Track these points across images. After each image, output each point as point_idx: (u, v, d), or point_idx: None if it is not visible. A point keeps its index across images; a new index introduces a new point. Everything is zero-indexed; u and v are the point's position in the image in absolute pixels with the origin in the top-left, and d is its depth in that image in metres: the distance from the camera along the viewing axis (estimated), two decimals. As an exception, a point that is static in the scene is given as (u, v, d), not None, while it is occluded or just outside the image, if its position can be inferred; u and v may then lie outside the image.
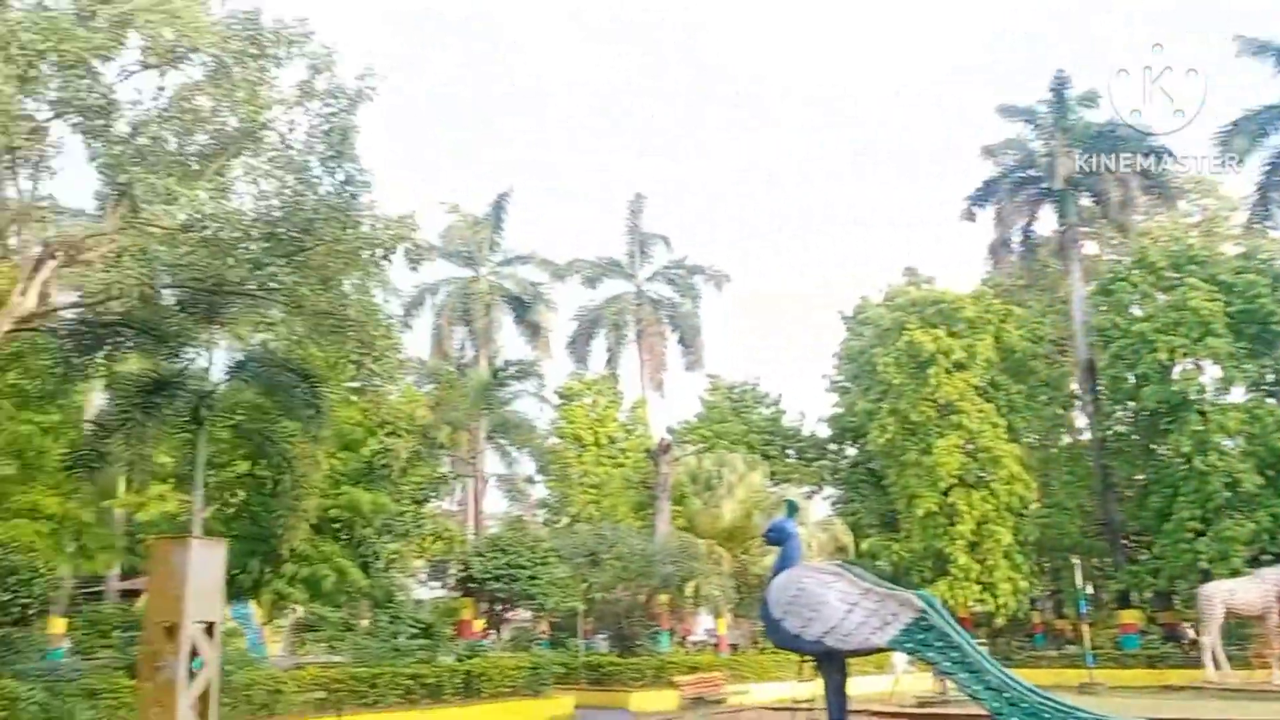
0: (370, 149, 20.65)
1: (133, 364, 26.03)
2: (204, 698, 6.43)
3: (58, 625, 20.79)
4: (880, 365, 41.52)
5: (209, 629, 6.37)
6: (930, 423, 40.32)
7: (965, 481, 39.63)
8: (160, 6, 17.67)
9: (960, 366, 40.40)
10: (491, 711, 21.58)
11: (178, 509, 30.67)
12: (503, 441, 43.42)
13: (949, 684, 21.75)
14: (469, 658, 23.40)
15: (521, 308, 50.60)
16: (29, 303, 20.00)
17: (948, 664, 17.29)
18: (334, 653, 25.93)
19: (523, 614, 33.46)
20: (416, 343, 49.48)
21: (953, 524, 39.14)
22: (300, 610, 30.81)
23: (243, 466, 29.12)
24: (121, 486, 32.66)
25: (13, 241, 21.00)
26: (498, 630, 32.46)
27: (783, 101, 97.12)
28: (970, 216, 47.66)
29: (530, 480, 46.65)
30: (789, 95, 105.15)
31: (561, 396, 48.89)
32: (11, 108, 17.01)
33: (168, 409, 24.44)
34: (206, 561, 6.53)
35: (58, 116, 18.95)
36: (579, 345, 54.98)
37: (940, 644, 17.78)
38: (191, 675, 6.41)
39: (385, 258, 21.22)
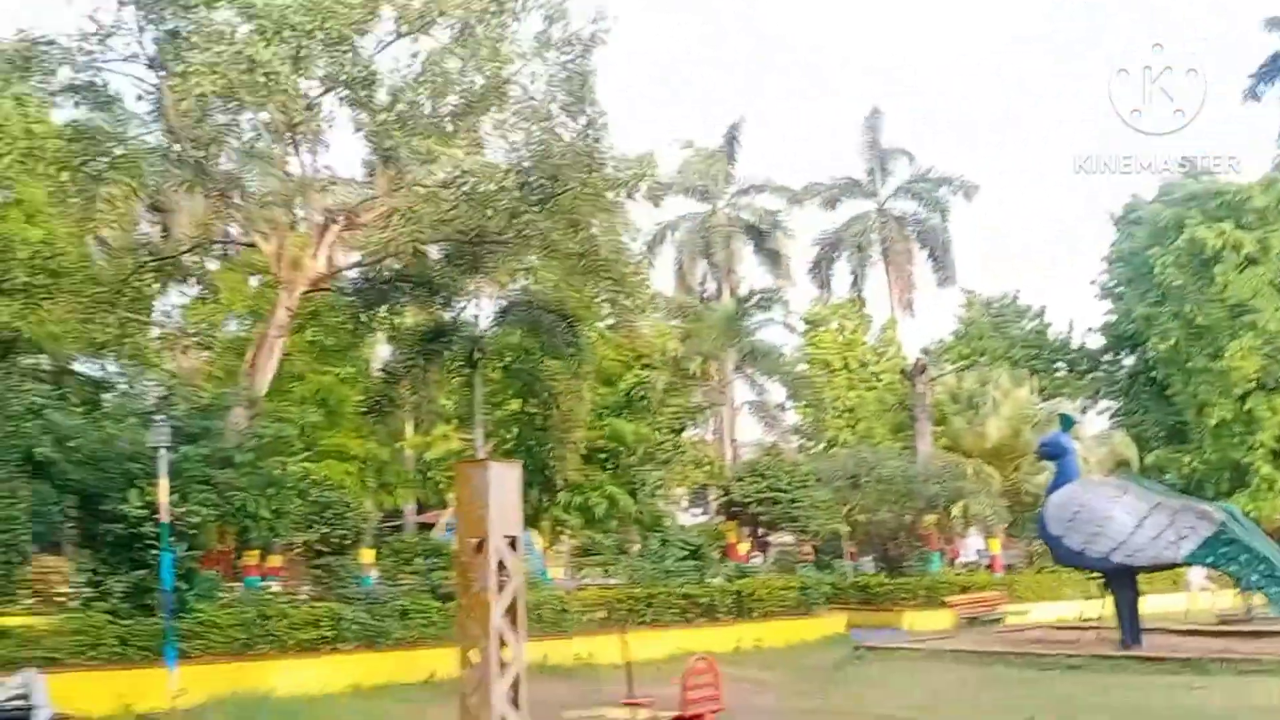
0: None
1: (410, 316, 28.28)
2: (512, 607, 6.92)
3: (367, 555, 23.11)
4: (1158, 266, 38.03)
5: (512, 543, 6.83)
6: (1220, 325, 36.60)
7: (1264, 386, 35.82)
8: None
9: (1252, 262, 36.31)
10: (765, 630, 22.04)
11: (460, 446, 33.24)
12: (751, 371, 43.63)
13: (1255, 600, 19.99)
14: (738, 579, 23.97)
15: (760, 237, 50.17)
16: (319, 265, 22.12)
17: (1255, 578, 15.93)
18: (608, 576, 27.30)
19: (785, 537, 33.76)
20: (660, 279, 50.35)
21: (1251, 432, 35.61)
22: (575, 536, 32.72)
23: (515, 405, 31.00)
24: (409, 429, 35.77)
25: (299, 211, 23.16)
26: (762, 553, 32.99)
27: (842, 70, 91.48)
28: (1255, 96, 42.34)
29: (781, 407, 46.62)
30: (848, 64, 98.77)
31: (807, 323, 48.38)
32: (288, 87, 18.63)
33: (446, 355, 26.49)
34: (504, 480, 6.98)
35: (327, 91, 20.63)
36: (821, 270, 53.89)
37: (1245, 557, 16.38)
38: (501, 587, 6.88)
39: (629, 197, 21.75)
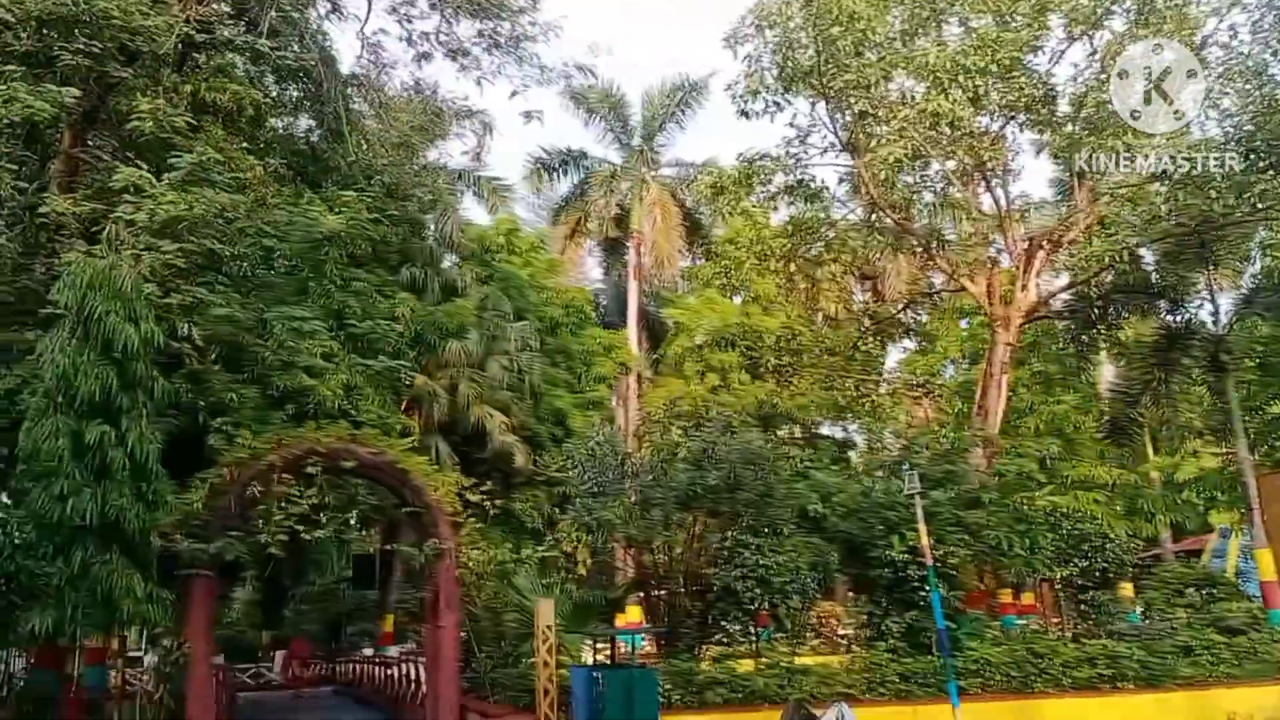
0: None
1: (1135, 329, 26.16)
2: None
3: (1127, 589, 21.50)
4: None
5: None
6: None
7: None
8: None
9: None
10: None
11: (1217, 463, 29.45)
12: None
13: None
14: None
15: None
16: (1030, 295, 21.71)
17: None
18: None
19: None
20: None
21: None
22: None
23: (1278, 407, 26.60)
24: (1150, 449, 32.80)
25: (1000, 247, 23.11)
26: None
27: None
28: None
29: None
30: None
31: None
32: (971, 129, 18.90)
33: (1184, 363, 23.85)
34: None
35: (1008, 122, 20.46)
36: None
37: None
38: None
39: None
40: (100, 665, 18.55)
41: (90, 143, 15.49)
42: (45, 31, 14.53)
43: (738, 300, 34.86)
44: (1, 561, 6.32)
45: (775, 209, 23.74)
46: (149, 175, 13.25)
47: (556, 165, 36.97)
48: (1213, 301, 24.83)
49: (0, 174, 12.61)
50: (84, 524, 9.99)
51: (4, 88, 12.63)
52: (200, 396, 14.53)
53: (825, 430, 35.48)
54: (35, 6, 13.66)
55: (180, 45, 15.56)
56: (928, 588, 15.39)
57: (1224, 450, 27.77)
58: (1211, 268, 22.50)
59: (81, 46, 13.75)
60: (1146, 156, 18.67)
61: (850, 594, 22.64)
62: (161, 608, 10.89)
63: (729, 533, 17.16)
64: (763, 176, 21.80)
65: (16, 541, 7.08)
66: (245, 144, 17.46)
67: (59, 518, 9.86)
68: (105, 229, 12.99)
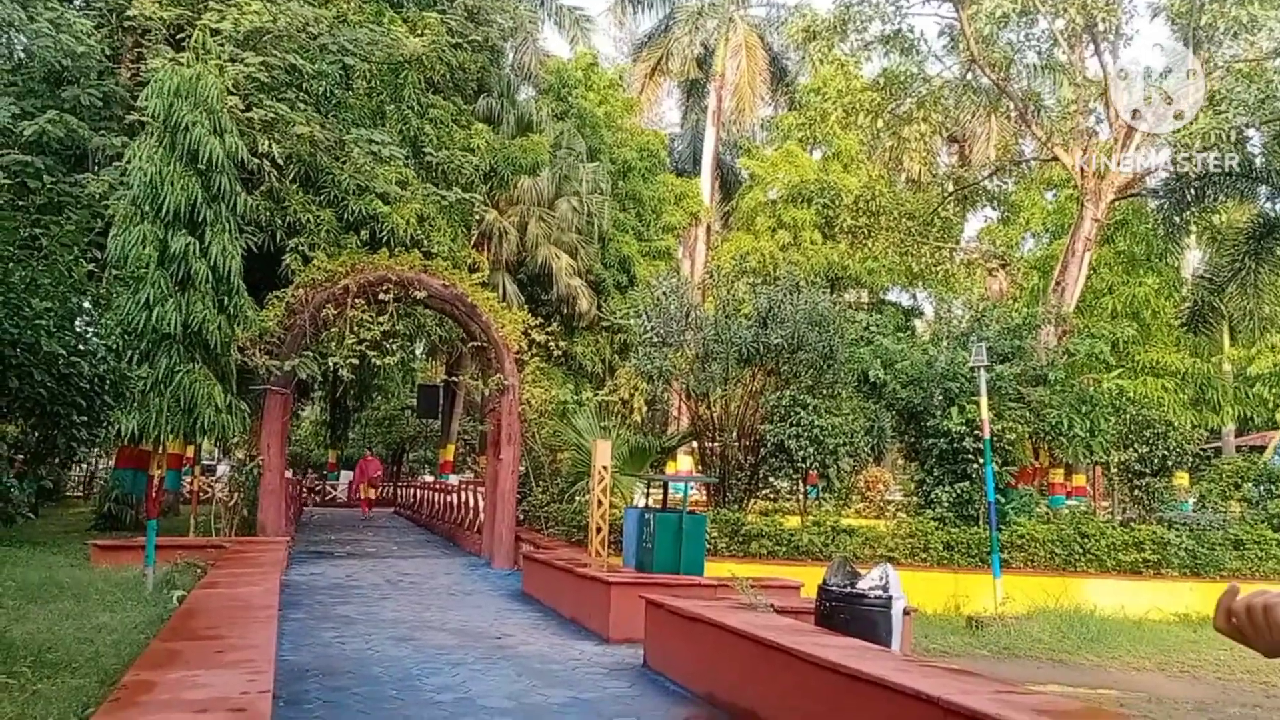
0: None
1: (1231, 214, 25.06)
2: None
3: (1182, 478, 21.36)
4: None
5: None
6: None
7: None
8: None
9: None
10: None
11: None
12: None
13: None
14: None
15: None
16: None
17: None
18: None
19: None
20: None
21: None
22: None
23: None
24: (1227, 340, 31.93)
25: (1095, 116, 21.96)
26: None
27: None
28: None
29: None
30: None
31: None
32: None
33: (1278, 252, 22.88)
34: None
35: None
36: None
37: None
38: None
39: None
40: (178, 471, 19.55)
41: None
42: None
43: (817, 155, 33.91)
44: (95, 364, 6.56)
45: (868, 59, 22.73)
46: (234, -17, 13.02)
47: (643, -3, 35.66)
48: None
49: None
50: (169, 332, 10.30)
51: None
52: (278, 215, 14.68)
53: (894, 296, 35.02)
54: None
55: None
56: (981, 460, 15.44)
57: (1305, 348, 27.00)
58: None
59: None
60: (1271, 30, 17.42)
61: (902, 461, 22.86)
62: (239, 418, 11.32)
63: (787, 391, 17.25)
64: (859, 23, 20.76)
65: (108, 345, 7.32)
66: (328, -45, 16.99)
67: (145, 324, 10.17)
68: (191, 36, 12.87)
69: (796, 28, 22.46)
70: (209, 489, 20.06)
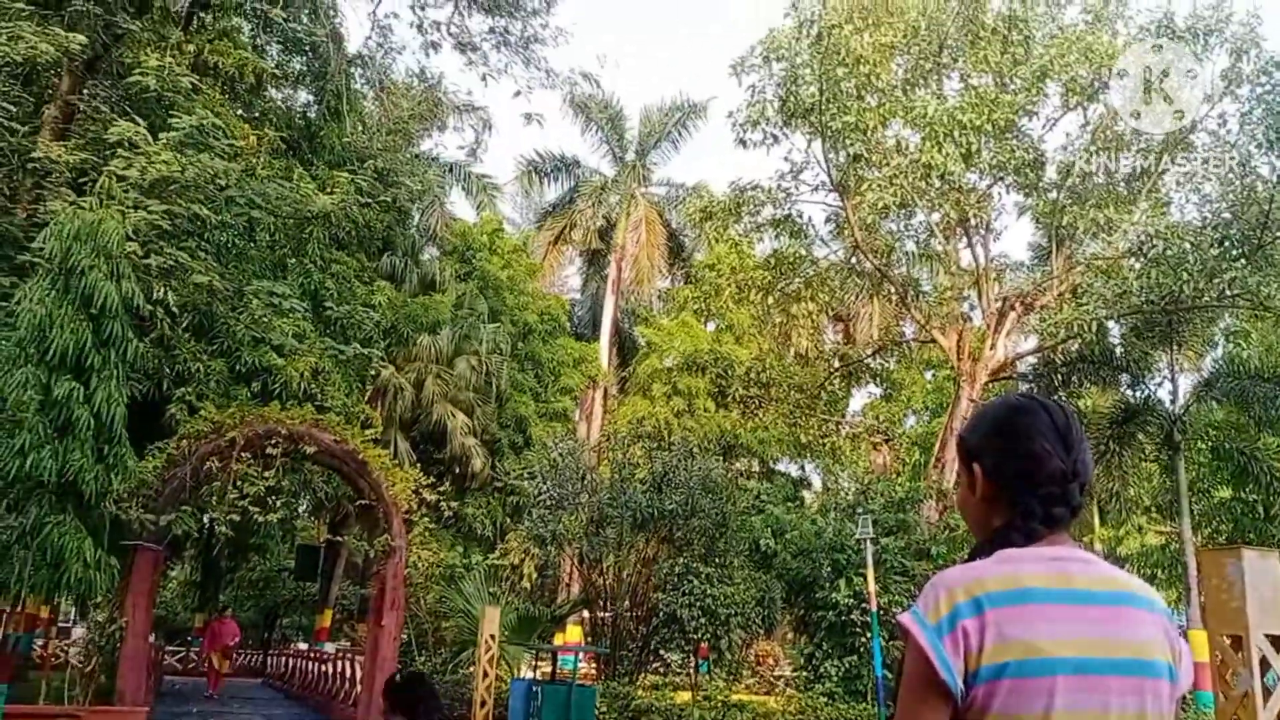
0: None
1: (1093, 399, 26.64)
2: (1281, 720, 5.95)
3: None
4: None
5: (1275, 642, 5.91)
6: None
7: None
8: (1072, 48, 18.27)
9: None
10: None
11: (1159, 540, 30.02)
12: None
13: None
14: None
15: None
16: (998, 355, 22.05)
17: None
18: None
19: None
20: None
21: None
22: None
23: (1226, 492, 27.21)
24: (1097, 520, 33.30)
25: (973, 303, 23.46)
26: None
27: None
28: None
29: None
30: None
31: None
32: (960, 185, 19.22)
33: (1139, 438, 24.30)
34: (1262, 569, 6.10)
35: (996, 181, 20.83)
36: None
37: None
38: (1266, 692, 6.01)
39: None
40: (30, 633, 18.06)
41: (88, 92, 15.26)
42: (57, -27, 14.34)
43: (711, 327, 35.04)
44: (-41, 511, 6.18)
45: (760, 240, 23.95)
46: (144, 132, 13.08)
47: (549, 170, 37.08)
48: (1173, 381, 25.35)
49: (-8, 113, 12.41)
50: (43, 480, 9.78)
51: (9, 25, 12.43)
52: (167, 363, 14.31)
53: (784, 466, 35.69)
54: (47, -51, 13.51)
55: (190, 2, 15.44)
56: (869, 634, 15.50)
57: (1168, 529, 28.32)
58: (1175, 348, 23.00)
59: (92, -8, 13.61)
60: (1125, 232, 19.09)
61: (792, 634, 22.76)
62: (108, 575, 10.67)
63: (680, 559, 17.20)
64: (752, 206, 21.99)
65: (-25, 491, 6.92)
66: (243, 112, 17.32)
67: (18, 471, 9.64)
68: (96, 181, 12.79)
69: (694, 207, 23.65)
70: (62, 652, 18.54)
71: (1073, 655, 1.56)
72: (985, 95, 18.43)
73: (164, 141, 12.80)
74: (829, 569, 17.43)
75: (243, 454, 14.00)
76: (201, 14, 16.50)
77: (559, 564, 23.76)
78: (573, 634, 23.21)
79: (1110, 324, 22.41)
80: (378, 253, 23.95)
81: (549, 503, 17.86)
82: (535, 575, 25.20)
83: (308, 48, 18.32)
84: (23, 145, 13.29)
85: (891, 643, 16.63)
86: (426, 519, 16.92)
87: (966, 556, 1.78)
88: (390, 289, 23.04)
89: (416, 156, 22.37)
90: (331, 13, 18.90)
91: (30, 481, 9.72)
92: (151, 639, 18.34)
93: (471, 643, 15.21)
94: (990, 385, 23.41)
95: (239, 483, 13.83)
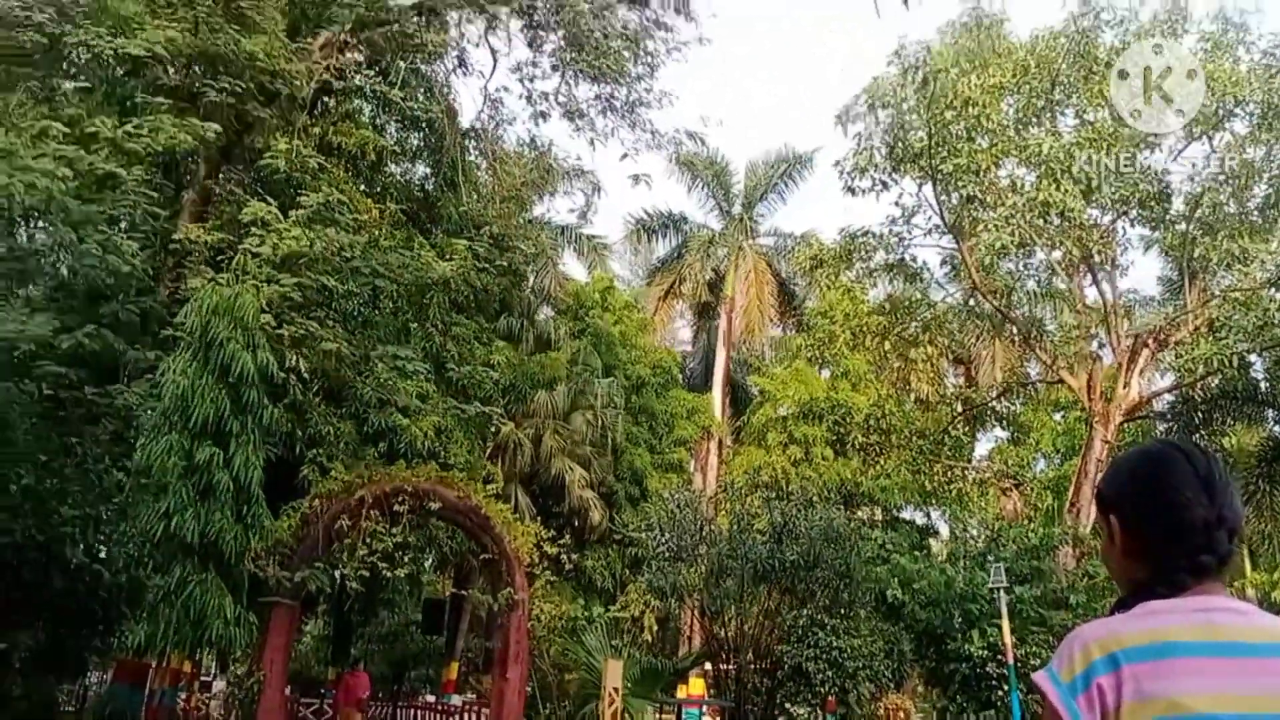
0: None
1: (1240, 437, 25.24)
2: None
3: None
4: None
5: None
6: None
7: None
8: (1187, 73, 17.65)
9: None
10: None
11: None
12: None
13: None
14: None
15: None
16: (1132, 394, 21.13)
17: None
18: None
19: None
20: None
21: None
22: None
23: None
24: (1248, 564, 31.34)
25: (1096, 341, 22.59)
26: None
27: None
28: None
29: None
30: None
31: None
32: (1081, 221, 18.66)
33: (1294, 477, 22.84)
34: None
35: (1120, 216, 20.14)
36: None
37: None
38: None
39: None
40: (175, 687, 18.93)
41: (224, 176, 16.33)
42: (193, 69, 15.47)
43: (825, 374, 34.64)
44: (113, 574, 6.58)
45: (873, 286, 23.68)
46: (275, 210, 13.90)
47: (657, 227, 37.54)
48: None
49: (138, 199, 13.35)
50: (187, 541, 10.35)
51: (151, 118, 13.42)
52: (299, 426, 14.98)
53: (908, 514, 34.76)
54: (186, 45, 14.56)
55: (315, 89, 16.37)
56: (1007, 687, 14.91)
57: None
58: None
59: (225, 85, 14.59)
60: (1262, 261, 18.20)
61: (922, 687, 21.99)
62: (247, 631, 11.16)
63: (804, 610, 16.91)
64: (864, 253, 21.80)
65: (128, 554, 7.36)
66: (365, 187, 18.19)
67: (163, 533, 10.24)
68: (232, 259, 13.62)
69: (804, 256, 23.57)
70: (203, 705, 19.33)
71: (1225, 712, 1.49)
72: (1103, 129, 17.91)
73: (293, 219, 13.59)
74: (960, 619, 16.89)
75: (371, 512, 14.49)
76: (325, 99, 17.49)
77: (679, 616, 23.59)
78: (695, 687, 22.94)
79: (1252, 357, 21.24)
80: (495, 314, 24.61)
81: (668, 555, 17.84)
82: (656, 627, 25.09)
83: (424, 124, 19.18)
84: (165, 228, 14.26)
85: (1030, 696, 15.93)
86: (548, 572, 17.12)
87: (1109, 610, 1.74)
88: (508, 349, 23.59)
89: (530, 221, 23.01)
90: (446, 90, 19.78)
91: (174, 543, 10.31)
92: (287, 691, 18.97)
93: (595, 695, 15.22)
94: (1126, 425, 22.43)
95: (368, 539, 14.30)
